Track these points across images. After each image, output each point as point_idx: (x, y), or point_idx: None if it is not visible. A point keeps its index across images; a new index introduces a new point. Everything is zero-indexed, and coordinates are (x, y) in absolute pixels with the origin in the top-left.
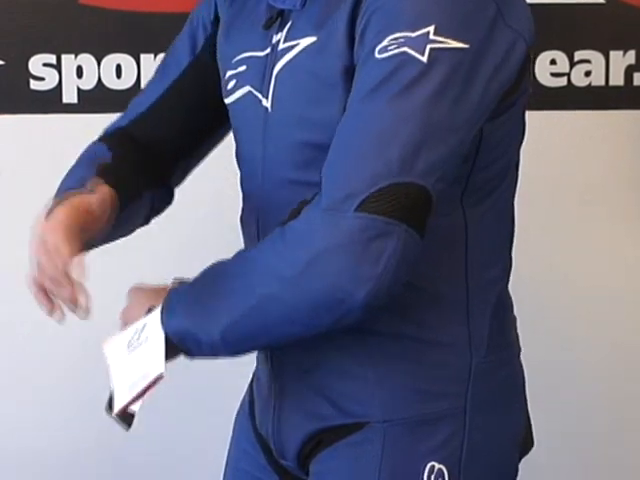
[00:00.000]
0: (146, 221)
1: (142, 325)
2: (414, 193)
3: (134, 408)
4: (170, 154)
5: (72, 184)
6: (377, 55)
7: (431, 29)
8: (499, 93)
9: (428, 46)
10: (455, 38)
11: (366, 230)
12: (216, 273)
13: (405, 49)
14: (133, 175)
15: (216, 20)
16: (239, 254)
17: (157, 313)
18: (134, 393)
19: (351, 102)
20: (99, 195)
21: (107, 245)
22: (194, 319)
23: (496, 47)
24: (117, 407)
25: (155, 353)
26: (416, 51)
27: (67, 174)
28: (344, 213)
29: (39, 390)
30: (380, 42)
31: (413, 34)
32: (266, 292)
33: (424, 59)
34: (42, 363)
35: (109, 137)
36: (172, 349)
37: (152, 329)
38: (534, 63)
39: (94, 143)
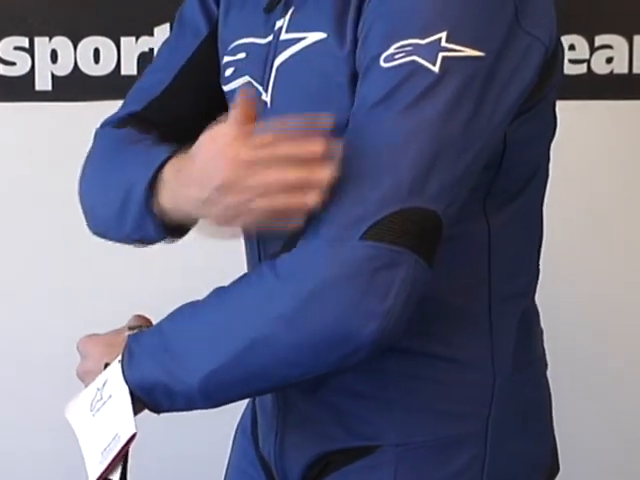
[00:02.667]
0: None
1: (102, 382)
2: (425, 220)
3: (113, 478)
4: (193, 135)
5: (152, 161)
6: (382, 64)
7: (443, 35)
8: (516, 102)
9: (440, 54)
10: (470, 45)
11: (372, 260)
12: (189, 315)
13: (414, 58)
14: None
15: None
16: (216, 293)
17: (117, 366)
18: (109, 459)
19: (354, 116)
20: None
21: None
22: (164, 368)
23: (512, 54)
24: (93, 477)
25: (122, 411)
26: (427, 60)
27: (129, 163)
28: (348, 241)
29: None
30: (386, 49)
31: (423, 41)
32: (259, 333)
33: (436, 69)
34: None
35: (123, 123)
36: (139, 403)
37: (114, 385)
38: None
39: (108, 131)
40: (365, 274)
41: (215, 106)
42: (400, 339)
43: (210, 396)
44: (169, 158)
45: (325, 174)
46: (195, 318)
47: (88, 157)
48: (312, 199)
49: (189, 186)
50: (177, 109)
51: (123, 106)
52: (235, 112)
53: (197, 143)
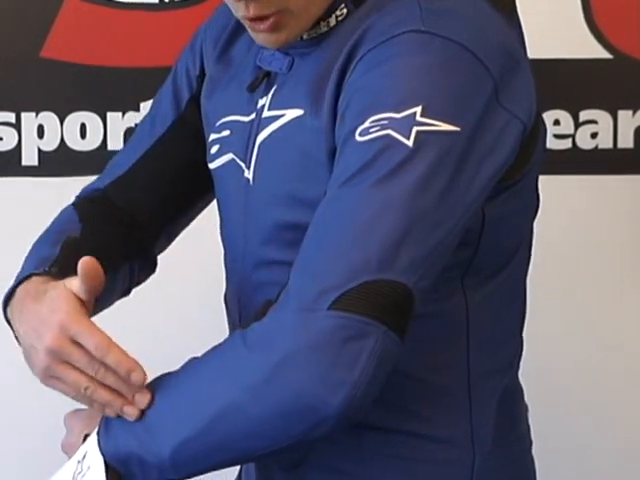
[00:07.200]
0: (125, 293)
1: (82, 454)
2: (394, 292)
3: None
4: (153, 219)
5: (36, 264)
6: (358, 138)
7: (418, 110)
8: (492, 178)
9: (414, 129)
10: (445, 120)
11: (341, 330)
12: (163, 386)
13: (388, 131)
14: (104, 249)
15: (202, 75)
16: (190, 364)
17: (94, 437)
18: None
19: (329, 189)
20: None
21: None
22: (137, 439)
23: (489, 130)
24: None
25: None
26: (401, 134)
27: (33, 248)
28: (316, 312)
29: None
30: (361, 123)
31: (398, 115)
32: (226, 403)
33: (409, 143)
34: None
35: (84, 202)
36: (115, 474)
37: (92, 457)
38: None
39: (68, 208)
40: (333, 344)
41: (188, 189)
42: (367, 411)
43: (179, 468)
44: (30, 276)
45: (145, 399)
46: (169, 389)
47: None
48: (130, 411)
49: (23, 330)
50: (141, 190)
51: (98, 178)
52: (78, 284)
53: (48, 294)
